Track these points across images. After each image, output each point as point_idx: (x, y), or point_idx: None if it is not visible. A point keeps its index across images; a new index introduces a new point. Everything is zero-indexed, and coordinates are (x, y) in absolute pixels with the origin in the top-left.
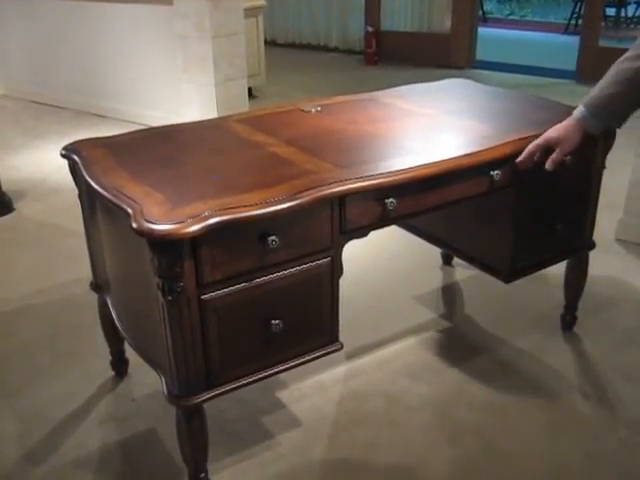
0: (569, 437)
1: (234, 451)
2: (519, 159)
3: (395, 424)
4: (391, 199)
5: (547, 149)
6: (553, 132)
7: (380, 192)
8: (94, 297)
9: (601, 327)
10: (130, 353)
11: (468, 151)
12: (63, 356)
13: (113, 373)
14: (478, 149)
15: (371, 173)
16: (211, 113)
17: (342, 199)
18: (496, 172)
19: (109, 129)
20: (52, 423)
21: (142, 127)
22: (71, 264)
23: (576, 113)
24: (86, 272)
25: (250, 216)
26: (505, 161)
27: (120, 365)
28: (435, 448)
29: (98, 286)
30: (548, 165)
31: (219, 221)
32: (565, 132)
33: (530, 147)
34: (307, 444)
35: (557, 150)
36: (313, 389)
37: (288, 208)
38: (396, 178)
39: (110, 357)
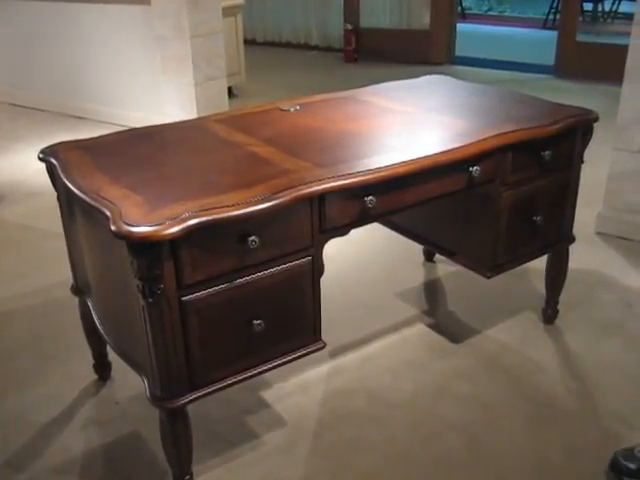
0: (552, 430)
1: (219, 452)
2: None
3: (379, 421)
4: (370, 197)
5: None
6: None
7: (359, 190)
8: (76, 300)
9: (582, 320)
10: (113, 356)
11: (447, 148)
12: (45, 360)
13: (96, 376)
14: (457, 145)
15: (350, 171)
16: (191, 113)
17: (321, 198)
18: (475, 168)
19: (89, 131)
20: (35, 428)
21: (122, 128)
22: (53, 267)
23: None
24: (68, 275)
25: (229, 217)
26: (484, 157)
27: (103, 368)
28: (419, 444)
29: (79, 289)
30: None
31: (198, 222)
32: None
33: None
34: (292, 443)
35: None
36: (297, 388)
37: (267, 208)
38: (375, 176)
39: (92, 360)
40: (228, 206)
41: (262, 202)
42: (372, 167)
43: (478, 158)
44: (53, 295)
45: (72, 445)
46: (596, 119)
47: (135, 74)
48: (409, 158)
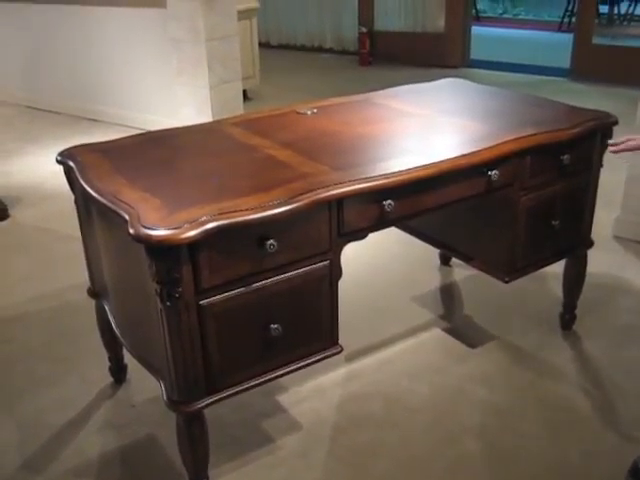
0: (570, 435)
1: (235, 456)
2: (613, 149)
3: (395, 425)
4: (389, 201)
5: None
6: None
7: (378, 194)
8: (91, 303)
9: (600, 325)
10: (129, 359)
11: (465, 151)
12: (61, 363)
13: (112, 379)
14: (475, 149)
15: (368, 175)
16: (206, 116)
17: (340, 202)
18: (494, 172)
19: (104, 133)
20: (51, 430)
21: (137, 131)
22: (67, 270)
23: None
24: (82, 278)
25: (248, 220)
26: (503, 161)
27: (119, 371)
28: (436, 448)
29: (95, 292)
30: None
31: (217, 226)
32: None
33: (632, 144)
34: (308, 447)
35: None
36: (313, 392)
37: (286, 212)
38: (394, 180)
39: (108, 363)
40: (246, 210)
41: (280, 206)
42: (390, 171)
43: (497, 162)
44: (67, 298)
45: (88, 448)
46: (615, 122)
47: (150, 77)
48: (428, 162)
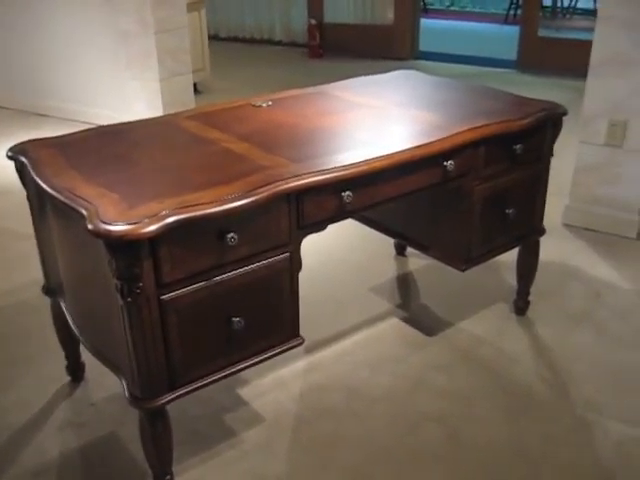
0: (528, 420)
1: (198, 451)
2: None
3: (357, 416)
4: (348, 192)
5: None
6: None
7: (337, 186)
8: (46, 301)
9: (553, 310)
10: (86, 357)
11: (421, 142)
12: (16, 363)
13: (69, 378)
14: (431, 140)
15: (326, 167)
16: (157, 110)
17: (299, 194)
18: (449, 162)
19: (53, 128)
20: (8, 431)
21: (87, 126)
22: (20, 268)
23: None
24: (36, 275)
25: (208, 214)
26: (457, 151)
27: (76, 369)
28: (398, 438)
29: (50, 289)
30: None
31: (177, 220)
32: None
33: None
34: (271, 440)
35: None
36: (274, 385)
37: (245, 205)
38: (352, 171)
39: (65, 362)
40: (206, 203)
41: (240, 199)
42: (348, 162)
43: (452, 152)
44: (21, 297)
45: (48, 448)
46: (565, 113)
47: (99, 70)
48: (385, 153)
